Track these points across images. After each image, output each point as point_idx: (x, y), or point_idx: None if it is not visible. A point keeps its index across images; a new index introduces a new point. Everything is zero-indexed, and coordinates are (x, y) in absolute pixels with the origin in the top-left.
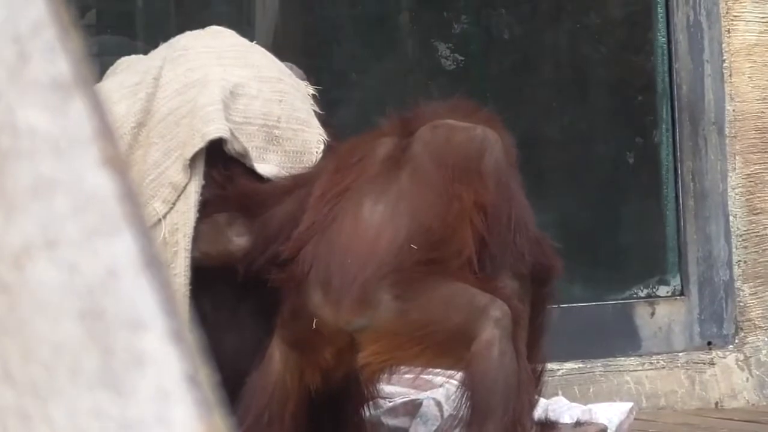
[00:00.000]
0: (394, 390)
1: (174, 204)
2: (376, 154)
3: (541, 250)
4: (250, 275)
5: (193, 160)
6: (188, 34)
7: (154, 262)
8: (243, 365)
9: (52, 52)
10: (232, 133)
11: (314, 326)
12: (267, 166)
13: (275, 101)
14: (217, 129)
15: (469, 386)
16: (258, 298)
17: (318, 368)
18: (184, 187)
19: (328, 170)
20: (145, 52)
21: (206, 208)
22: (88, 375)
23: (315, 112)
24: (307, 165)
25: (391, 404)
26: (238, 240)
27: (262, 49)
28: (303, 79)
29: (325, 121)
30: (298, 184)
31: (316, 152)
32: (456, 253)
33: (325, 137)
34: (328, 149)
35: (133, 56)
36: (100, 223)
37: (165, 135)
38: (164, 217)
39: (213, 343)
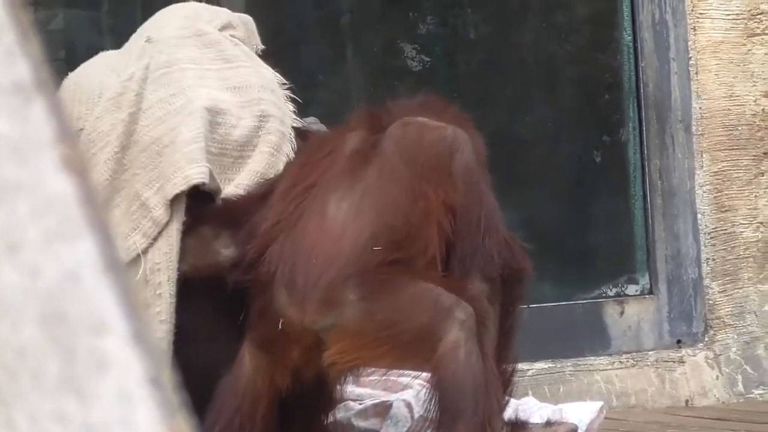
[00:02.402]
0: (365, 392)
1: (155, 240)
2: (344, 150)
3: (511, 252)
4: (238, 285)
5: (175, 197)
6: (171, 34)
7: (115, 266)
8: (219, 376)
9: (11, 55)
10: (211, 174)
11: (280, 326)
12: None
13: (254, 128)
14: (200, 173)
15: (437, 388)
16: (237, 309)
17: (287, 368)
18: (166, 225)
19: (295, 165)
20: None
21: (191, 222)
22: (50, 378)
23: (294, 127)
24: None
25: (361, 406)
26: (226, 251)
27: (245, 52)
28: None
29: (305, 131)
30: (274, 187)
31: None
32: (421, 252)
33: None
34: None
35: (108, 53)
36: (61, 227)
37: (147, 165)
38: (144, 252)
39: (190, 355)
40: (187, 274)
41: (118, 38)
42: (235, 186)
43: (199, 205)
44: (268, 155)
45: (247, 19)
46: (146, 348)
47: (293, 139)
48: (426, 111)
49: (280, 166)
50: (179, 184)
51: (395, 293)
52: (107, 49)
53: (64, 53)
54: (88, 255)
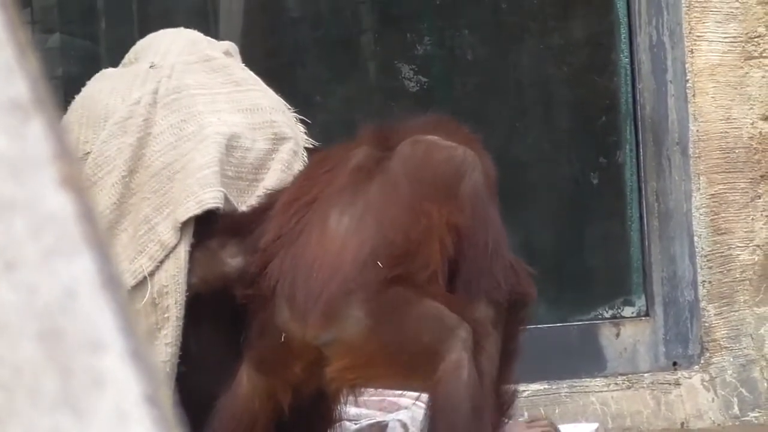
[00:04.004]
0: (361, 412)
1: (161, 263)
2: (347, 165)
3: (516, 277)
4: (246, 297)
5: (184, 221)
6: (177, 60)
7: (113, 283)
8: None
9: (9, 72)
10: (225, 197)
11: (282, 340)
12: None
13: (268, 151)
14: (213, 197)
15: (436, 407)
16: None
17: (288, 384)
18: (173, 248)
19: (297, 179)
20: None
21: (198, 236)
22: (47, 396)
23: (306, 148)
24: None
25: (357, 426)
26: (233, 262)
27: (252, 76)
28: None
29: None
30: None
31: None
32: (422, 268)
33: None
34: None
35: (108, 72)
36: (58, 244)
37: (158, 190)
38: (151, 275)
39: (197, 379)
40: (196, 288)
41: (116, 57)
42: (247, 206)
43: (204, 228)
44: (279, 172)
45: (235, 46)
46: (143, 366)
47: (306, 160)
48: (436, 131)
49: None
50: (192, 208)
51: (398, 309)
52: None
53: (61, 72)
54: (85, 272)
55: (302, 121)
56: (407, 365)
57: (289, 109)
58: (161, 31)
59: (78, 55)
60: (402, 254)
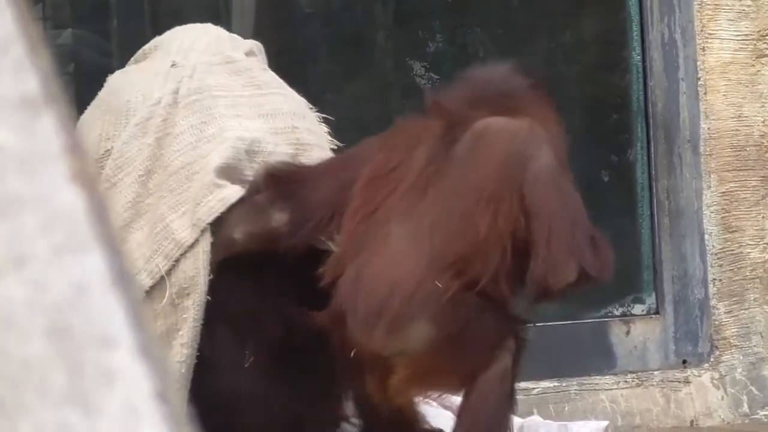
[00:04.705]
0: None
1: (177, 261)
2: (412, 165)
3: (596, 250)
4: (289, 253)
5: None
6: (200, 60)
7: (123, 279)
8: (239, 407)
9: (20, 69)
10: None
11: (352, 355)
12: None
13: (291, 156)
14: (235, 191)
15: (470, 410)
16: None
17: (364, 392)
18: (190, 247)
19: (365, 177)
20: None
21: (246, 190)
22: (56, 392)
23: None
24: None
25: None
26: (280, 217)
27: (274, 78)
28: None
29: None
30: (337, 167)
31: None
32: (482, 272)
33: None
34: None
35: (131, 69)
36: (68, 240)
37: (175, 189)
38: (167, 274)
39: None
40: (242, 243)
41: (128, 53)
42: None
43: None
44: None
45: (260, 46)
46: (153, 362)
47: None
48: (506, 103)
49: None
50: (217, 206)
51: (457, 318)
52: (116, 66)
53: (72, 68)
54: (95, 268)
55: (325, 120)
56: (461, 373)
57: (312, 109)
58: (187, 26)
59: (89, 51)
60: (460, 262)
